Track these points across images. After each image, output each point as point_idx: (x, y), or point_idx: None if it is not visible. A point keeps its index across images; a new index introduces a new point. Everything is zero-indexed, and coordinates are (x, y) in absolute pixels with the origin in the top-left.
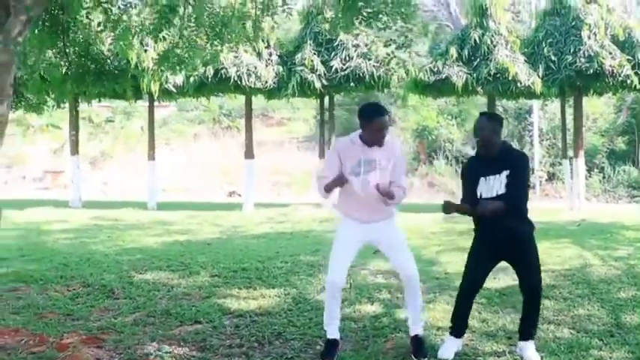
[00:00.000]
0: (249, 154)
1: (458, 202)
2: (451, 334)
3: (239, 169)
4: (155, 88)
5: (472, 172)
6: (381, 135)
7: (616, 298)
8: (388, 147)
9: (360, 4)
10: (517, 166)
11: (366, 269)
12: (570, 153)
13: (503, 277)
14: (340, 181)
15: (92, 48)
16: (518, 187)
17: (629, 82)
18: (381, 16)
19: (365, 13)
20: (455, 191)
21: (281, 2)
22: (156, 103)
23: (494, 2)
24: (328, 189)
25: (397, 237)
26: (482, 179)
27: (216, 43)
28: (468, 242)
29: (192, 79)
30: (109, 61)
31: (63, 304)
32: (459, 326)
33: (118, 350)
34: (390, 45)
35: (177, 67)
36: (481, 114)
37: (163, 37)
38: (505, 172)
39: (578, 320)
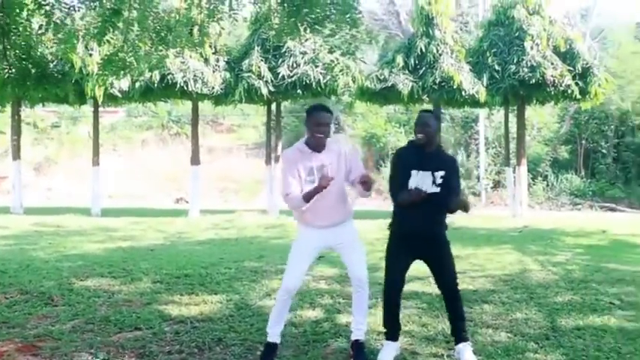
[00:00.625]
0: (195, 160)
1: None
2: (387, 338)
3: (187, 176)
4: (99, 93)
5: (405, 163)
6: (323, 129)
7: (553, 302)
8: (334, 148)
9: (305, 10)
10: (453, 170)
11: (309, 275)
12: (513, 161)
13: None
14: (323, 185)
15: (34, 51)
16: (456, 189)
17: (569, 91)
18: (326, 22)
19: (310, 19)
20: None
21: (227, 8)
22: (103, 109)
23: (440, 12)
24: (309, 197)
25: (354, 240)
26: (413, 172)
27: (161, 47)
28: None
29: (137, 84)
30: (51, 65)
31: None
32: (392, 329)
33: (54, 358)
34: (334, 51)
35: (122, 72)
36: (426, 111)
37: (107, 41)
38: (440, 173)
39: (516, 324)
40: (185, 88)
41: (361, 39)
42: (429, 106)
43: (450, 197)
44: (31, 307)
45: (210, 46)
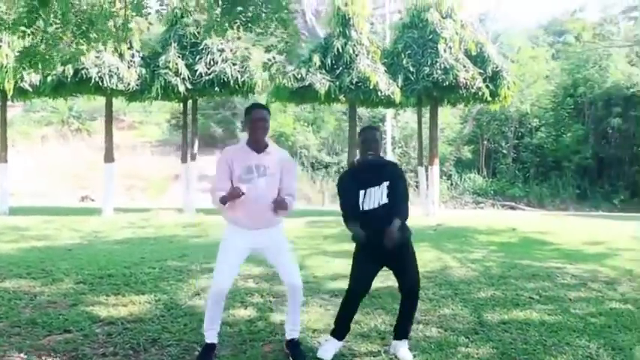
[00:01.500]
0: (108, 157)
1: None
2: (333, 335)
3: (91, 173)
4: (9, 86)
5: (351, 185)
6: (259, 127)
7: (477, 297)
8: (276, 154)
9: (239, 8)
10: (396, 177)
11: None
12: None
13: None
14: (237, 194)
15: None
16: (403, 198)
17: (480, 93)
18: (258, 21)
19: (242, 18)
20: (311, 196)
21: (154, 2)
22: None
23: (356, 13)
24: (225, 201)
25: (283, 245)
26: (361, 192)
27: (82, 41)
28: (332, 246)
29: (49, 78)
30: None
31: None
32: (343, 329)
33: None
34: (271, 50)
35: (39, 65)
36: (371, 128)
37: (24, 32)
38: (385, 183)
39: (445, 319)
40: (100, 83)
41: (292, 38)
42: (340, 106)
43: (394, 206)
44: None
45: (126, 42)
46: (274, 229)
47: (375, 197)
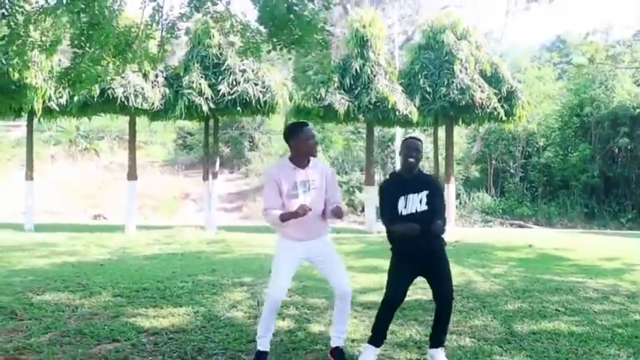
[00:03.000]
0: (132, 175)
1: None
2: (370, 343)
3: (100, 192)
4: (38, 106)
5: (392, 191)
6: (312, 145)
7: (504, 309)
8: (318, 167)
9: (285, 31)
10: (436, 187)
11: (267, 288)
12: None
13: None
14: (304, 211)
15: None
16: (442, 207)
17: (495, 113)
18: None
19: (285, 40)
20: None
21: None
22: (7, 123)
23: (374, 34)
24: (285, 219)
25: (333, 254)
26: (401, 198)
27: (119, 62)
28: (356, 262)
29: (76, 98)
30: (7, 76)
31: None
32: (380, 336)
33: None
34: (307, 70)
35: (78, 85)
36: (412, 138)
37: (75, 53)
38: (425, 192)
39: (476, 330)
40: (125, 103)
41: (325, 59)
42: (346, 126)
43: (434, 217)
44: None
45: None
46: (323, 240)
47: (414, 203)
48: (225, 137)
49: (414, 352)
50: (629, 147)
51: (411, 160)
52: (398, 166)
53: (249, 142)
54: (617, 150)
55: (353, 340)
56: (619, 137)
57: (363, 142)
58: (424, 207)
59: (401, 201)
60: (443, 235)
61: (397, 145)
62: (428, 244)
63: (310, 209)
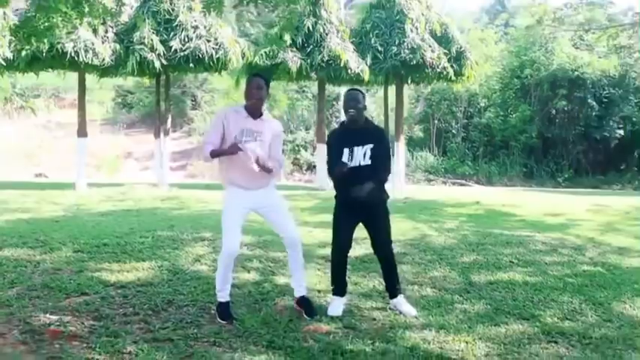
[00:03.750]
0: (82, 132)
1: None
2: (334, 294)
3: (41, 151)
4: None
5: (338, 142)
6: (255, 94)
7: (461, 262)
8: (270, 123)
9: None
10: (380, 140)
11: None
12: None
13: (357, 247)
14: (235, 149)
15: None
16: (385, 162)
17: (445, 73)
18: None
19: None
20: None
21: None
22: None
23: None
24: (216, 155)
25: (280, 203)
26: (346, 150)
27: (75, 14)
28: (312, 218)
29: (24, 52)
30: None
31: None
32: (340, 285)
33: (13, 323)
34: (274, 26)
35: (33, 39)
36: (353, 89)
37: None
38: (369, 145)
39: (436, 281)
40: (76, 58)
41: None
42: (309, 84)
43: (378, 168)
44: None
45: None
46: (267, 190)
47: (357, 156)
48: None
49: (379, 301)
50: (566, 109)
51: (352, 111)
52: None
53: (192, 100)
54: (555, 111)
55: (319, 291)
56: (557, 99)
57: (308, 101)
58: (367, 161)
59: (345, 153)
60: (385, 187)
61: (341, 104)
62: (367, 195)
63: (241, 149)
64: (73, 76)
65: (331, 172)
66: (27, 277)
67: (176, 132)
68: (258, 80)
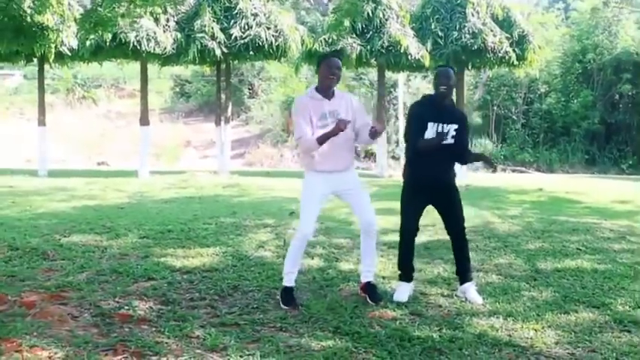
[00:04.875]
0: (144, 120)
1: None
2: (401, 279)
3: (102, 140)
4: (51, 51)
5: (423, 115)
6: (335, 72)
7: (526, 249)
8: (344, 98)
9: None
10: (464, 124)
11: (291, 229)
12: None
13: (421, 234)
14: (343, 126)
15: (11, 4)
16: (466, 143)
17: (507, 57)
18: None
19: None
20: None
21: None
22: (2, 72)
23: None
24: (323, 140)
25: (360, 186)
26: (430, 124)
27: (139, 3)
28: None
29: (88, 42)
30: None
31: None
32: (407, 271)
33: (84, 306)
34: (336, 11)
35: (99, 27)
36: (445, 66)
37: None
38: (454, 126)
39: (502, 268)
40: (138, 47)
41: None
42: (367, 70)
43: (462, 150)
44: (29, 261)
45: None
46: (348, 172)
47: (441, 134)
48: (224, 84)
49: (444, 288)
50: (630, 93)
51: (443, 87)
52: (401, 114)
53: (249, 89)
54: (618, 97)
55: (384, 277)
56: (621, 84)
57: (365, 88)
58: (450, 140)
59: (430, 127)
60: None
61: (400, 91)
62: (441, 177)
63: (350, 121)
64: (132, 67)
65: (414, 144)
66: (95, 262)
67: (233, 120)
68: (336, 61)
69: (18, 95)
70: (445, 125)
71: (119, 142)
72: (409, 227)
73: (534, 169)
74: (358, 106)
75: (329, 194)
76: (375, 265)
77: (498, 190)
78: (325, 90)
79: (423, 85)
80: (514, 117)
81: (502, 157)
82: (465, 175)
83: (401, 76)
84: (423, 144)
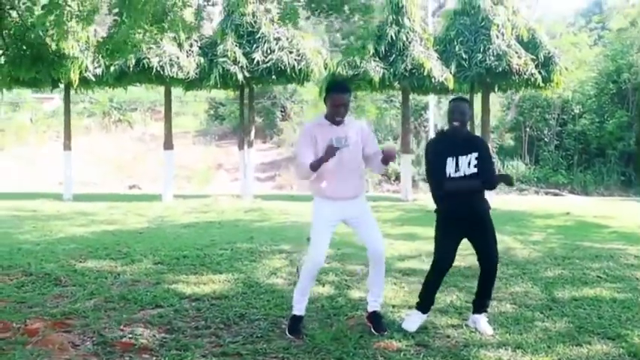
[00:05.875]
0: (168, 144)
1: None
2: (418, 309)
3: (135, 163)
4: (75, 77)
5: (440, 151)
6: (338, 111)
7: (545, 276)
8: (354, 125)
9: None
10: (485, 149)
11: (304, 255)
12: None
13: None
14: (332, 152)
15: (29, 32)
16: (491, 166)
17: (533, 79)
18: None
19: (326, 4)
20: None
21: None
22: (40, 95)
23: (409, 1)
24: (316, 167)
25: (368, 215)
26: (449, 159)
27: (156, 30)
28: (394, 230)
29: (112, 68)
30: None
31: (11, 292)
32: (428, 302)
33: (87, 334)
34: (349, 36)
35: (116, 54)
36: (459, 99)
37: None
38: (474, 154)
39: (517, 296)
40: (161, 72)
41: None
42: (396, 93)
43: (486, 176)
44: (41, 287)
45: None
46: (358, 200)
47: (462, 166)
48: (257, 107)
49: (454, 318)
50: None
51: (456, 123)
52: (432, 135)
53: (281, 112)
54: None
55: (393, 306)
56: None
57: (396, 110)
58: (473, 169)
59: (449, 162)
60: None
61: (430, 113)
62: (473, 208)
63: (338, 148)
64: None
65: (438, 185)
66: (106, 289)
67: (265, 143)
68: (342, 97)
69: (55, 118)
70: (464, 157)
71: (152, 165)
72: (443, 261)
73: (568, 191)
74: (368, 133)
75: (338, 221)
76: (382, 294)
77: (524, 214)
78: (333, 118)
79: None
80: (547, 138)
81: (535, 179)
82: (490, 199)
83: (432, 98)
84: (450, 187)
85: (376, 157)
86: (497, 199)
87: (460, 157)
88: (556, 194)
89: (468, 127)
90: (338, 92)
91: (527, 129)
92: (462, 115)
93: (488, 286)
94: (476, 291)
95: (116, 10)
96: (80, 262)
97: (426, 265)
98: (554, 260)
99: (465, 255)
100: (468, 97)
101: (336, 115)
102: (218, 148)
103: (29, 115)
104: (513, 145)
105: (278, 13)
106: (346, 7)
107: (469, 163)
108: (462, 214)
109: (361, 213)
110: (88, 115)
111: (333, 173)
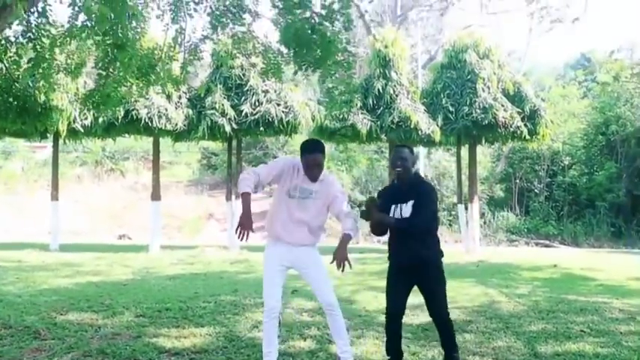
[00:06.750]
0: (155, 195)
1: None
2: None
3: (125, 212)
4: (63, 128)
5: (385, 199)
6: (313, 171)
7: (528, 330)
8: (327, 183)
9: (308, 51)
10: (421, 195)
11: (289, 308)
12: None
13: (421, 314)
14: (239, 221)
15: (16, 84)
16: (421, 212)
17: (519, 132)
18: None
19: (308, 60)
20: None
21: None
22: (34, 144)
23: (396, 54)
24: (240, 195)
25: (318, 264)
26: (392, 206)
27: (142, 83)
28: (379, 282)
29: (101, 119)
30: (33, 98)
31: None
32: (393, 353)
33: None
34: (332, 91)
35: (102, 106)
36: (402, 146)
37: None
38: (411, 202)
39: (499, 351)
40: (149, 124)
41: (349, 78)
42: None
43: (411, 220)
44: (19, 340)
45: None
46: (308, 249)
47: (404, 213)
48: (249, 157)
49: None
50: None
51: (398, 169)
52: None
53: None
54: None
55: None
56: None
57: (386, 161)
58: (407, 215)
59: (391, 210)
60: (438, 245)
61: (420, 164)
62: (417, 254)
63: (248, 234)
64: (161, 139)
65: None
66: (85, 342)
67: (257, 193)
68: (315, 157)
69: (47, 167)
70: (404, 205)
71: (142, 214)
72: (392, 311)
73: (559, 242)
74: (337, 197)
75: (286, 266)
76: (348, 344)
77: (510, 267)
78: (311, 176)
79: (445, 158)
80: (537, 190)
81: (526, 230)
82: (478, 251)
83: (422, 150)
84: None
85: (342, 221)
86: (487, 251)
87: (401, 205)
88: (547, 245)
89: (455, 177)
90: (311, 153)
91: (517, 180)
92: (404, 161)
93: (446, 339)
94: (441, 346)
95: (101, 64)
96: (61, 314)
97: (408, 318)
98: (538, 314)
99: (450, 308)
100: (455, 149)
101: (310, 175)
102: (210, 198)
103: (21, 164)
104: (504, 197)
105: (262, 68)
106: (328, 62)
107: (408, 211)
108: (407, 261)
109: (309, 262)
110: (80, 164)
111: (288, 217)
